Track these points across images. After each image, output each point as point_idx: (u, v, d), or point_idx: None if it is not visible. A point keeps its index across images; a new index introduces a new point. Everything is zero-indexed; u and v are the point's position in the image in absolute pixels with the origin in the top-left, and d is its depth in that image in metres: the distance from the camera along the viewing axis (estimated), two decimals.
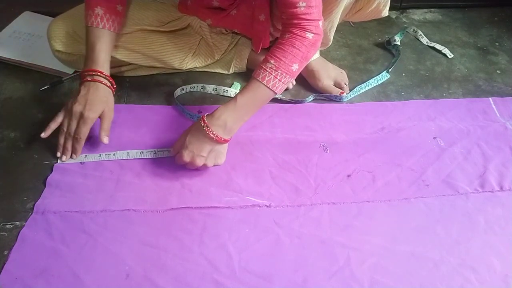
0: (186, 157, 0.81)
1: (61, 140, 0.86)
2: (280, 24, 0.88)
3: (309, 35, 0.81)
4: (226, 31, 1.07)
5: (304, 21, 0.81)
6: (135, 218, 0.79)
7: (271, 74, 0.81)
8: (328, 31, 0.98)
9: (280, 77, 0.81)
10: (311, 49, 0.83)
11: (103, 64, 0.86)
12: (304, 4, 0.79)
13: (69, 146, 0.86)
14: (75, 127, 0.84)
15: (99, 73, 0.85)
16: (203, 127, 0.80)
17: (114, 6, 0.88)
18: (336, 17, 0.94)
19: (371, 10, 0.97)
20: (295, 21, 0.81)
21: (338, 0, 0.89)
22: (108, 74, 0.87)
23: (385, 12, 1.00)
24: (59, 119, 0.85)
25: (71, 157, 0.86)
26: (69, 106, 0.84)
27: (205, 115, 0.82)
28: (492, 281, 0.74)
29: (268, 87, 0.81)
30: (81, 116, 0.83)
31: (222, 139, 0.81)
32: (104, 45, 0.87)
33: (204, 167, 0.83)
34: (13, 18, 1.16)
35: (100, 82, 0.85)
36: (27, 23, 1.15)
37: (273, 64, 0.80)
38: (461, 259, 0.76)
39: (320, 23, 0.83)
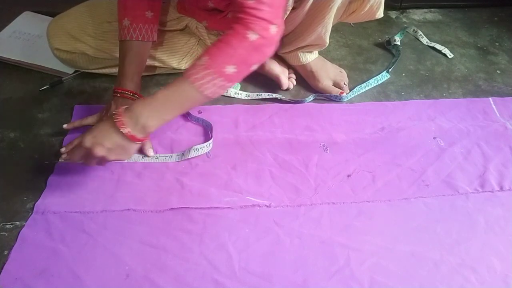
0: (87, 141, 0.71)
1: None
2: None
3: (252, 36, 0.69)
4: (224, 32, 1.07)
5: (250, 17, 0.69)
6: (135, 218, 0.79)
7: (200, 73, 0.69)
8: (323, 35, 0.98)
9: (210, 79, 0.70)
10: (252, 53, 0.71)
11: (132, 77, 0.86)
12: None
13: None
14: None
15: (126, 92, 0.85)
16: (114, 114, 0.71)
17: (142, 14, 0.85)
18: (330, 22, 0.94)
19: (365, 13, 0.96)
20: (240, 15, 0.70)
21: (330, 6, 0.88)
22: (134, 89, 0.86)
23: (379, 14, 0.99)
24: (86, 122, 0.88)
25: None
26: (101, 117, 0.86)
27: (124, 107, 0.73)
28: (492, 281, 0.74)
29: (194, 87, 0.70)
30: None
31: (130, 134, 0.70)
32: (133, 57, 0.85)
33: (103, 160, 0.73)
34: (13, 18, 1.16)
35: (130, 98, 0.85)
36: (27, 23, 1.15)
37: (204, 62, 0.69)
38: (461, 259, 0.76)
39: (273, 27, 0.71)
